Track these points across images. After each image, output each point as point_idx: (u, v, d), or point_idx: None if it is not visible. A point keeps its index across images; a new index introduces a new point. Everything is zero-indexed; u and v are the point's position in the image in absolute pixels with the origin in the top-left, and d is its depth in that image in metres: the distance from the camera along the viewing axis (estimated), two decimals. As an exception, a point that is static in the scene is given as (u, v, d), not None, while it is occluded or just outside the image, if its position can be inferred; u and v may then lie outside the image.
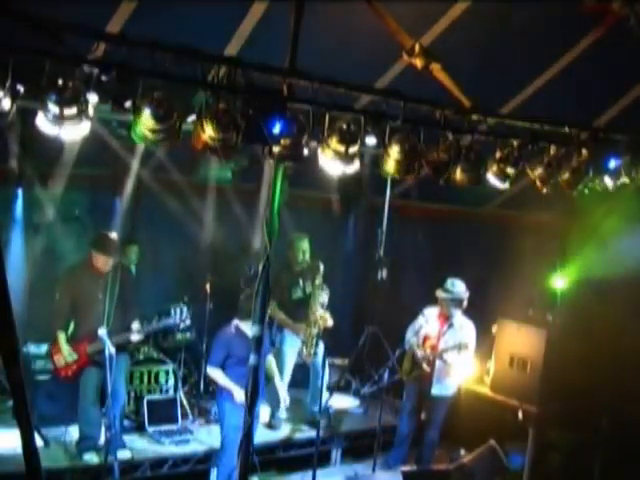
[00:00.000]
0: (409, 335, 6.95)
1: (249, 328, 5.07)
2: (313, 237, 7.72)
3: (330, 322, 7.17)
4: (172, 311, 6.37)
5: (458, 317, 6.83)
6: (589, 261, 7.83)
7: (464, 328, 6.82)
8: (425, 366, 6.75)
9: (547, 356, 6.49)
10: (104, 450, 5.41)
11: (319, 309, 7.14)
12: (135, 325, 6.08)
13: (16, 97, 3.91)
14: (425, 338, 6.85)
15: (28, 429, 2.53)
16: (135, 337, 6.06)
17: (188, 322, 6.38)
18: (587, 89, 6.75)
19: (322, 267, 7.14)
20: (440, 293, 6.81)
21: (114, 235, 6.16)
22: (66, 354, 5.91)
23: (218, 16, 5.21)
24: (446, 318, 6.84)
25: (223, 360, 5.79)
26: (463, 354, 6.75)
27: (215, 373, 5.84)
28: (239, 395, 5.50)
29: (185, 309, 6.33)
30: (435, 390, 6.75)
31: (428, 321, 6.85)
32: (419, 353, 6.80)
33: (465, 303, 6.82)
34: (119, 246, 6.27)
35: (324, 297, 7.21)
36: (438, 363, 6.73)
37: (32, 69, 3.91)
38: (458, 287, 6.79)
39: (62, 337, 5.93)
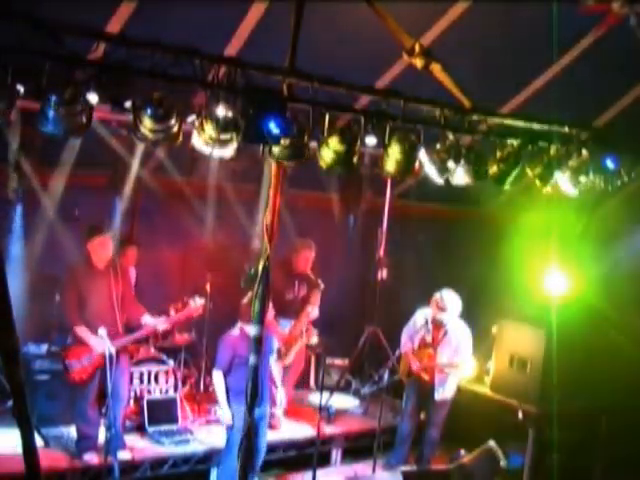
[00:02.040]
0: (404, 339, 6.90)
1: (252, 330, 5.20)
2: (313, 237, 7.73)
3: (315, 339, 7.36)
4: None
5: (452, 322, 6.73)
6: (590, 260, 7.83)
7: (459, 332, 6.72)
8: (423, 374, 6.71)
9: (547, 356, 6.48)
10: (104, 450, 5.41)
11: (305, 324, 7.31)
12: (147, 318, 6.14)
13: (16, 97, 3.92)
14: (421, 344, 6.77)
15: (28, 429, 2.54)
16: (161, 326, 6.20)
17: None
18: (587, 89, 6.75)
19: (322, 286, 7.37)
20: (436, 312, 6.67)
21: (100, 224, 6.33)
22: (99, 346, 5.73)
23: (218, 16, 5.21)
24: (441, 325, 6.73)
25: (229, 362, 5.85)
26: (460, 360, 6.70)
27: (218, 378, 5.89)
28: (226, 414, 5.80)
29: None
30: (436, 395, 6.71)
31: (422, 326, 6.78)
32: (415, 365, 6.72)
33: (459, 311, 6.72)
34: (114, 232, 6.32)
35: (315, 313, 7.41)
36: (437, 372, 6.67)
37: (32, 69, 3.91)
38: (453, 303, 6.65)
39: (85, 330, 5.81)
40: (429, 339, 6.77)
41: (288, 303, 7.38)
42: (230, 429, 5.85)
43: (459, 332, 6.75)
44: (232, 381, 5.84)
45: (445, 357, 6.70)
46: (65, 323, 6.01)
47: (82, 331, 5.80)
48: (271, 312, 6.45)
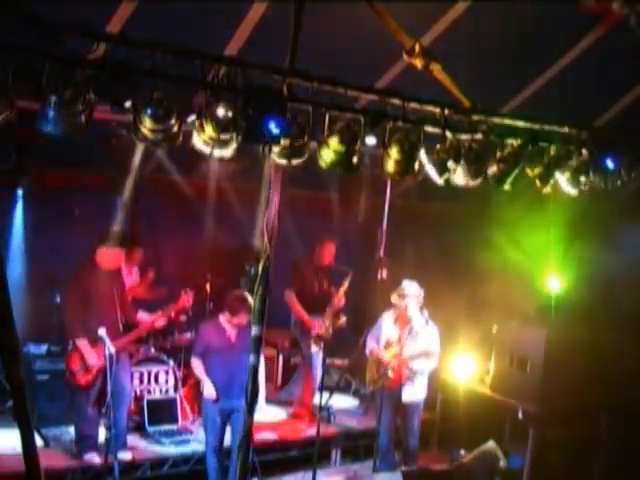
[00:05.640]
0: (369, 341, 6.74)
1: (226, 321, 5.84)
2: (312, 237, 7.73)
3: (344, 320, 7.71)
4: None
5: (417, 319, 6.51)
6: (589, 260, 7.83)
7: (425, 330, 6.50)
8: (390, 373, 6.46)
9: (547, 356, 6.48)
10: (104, 450, 5.41)
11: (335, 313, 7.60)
12: (142, 315, 6.34)
13: (16, 97, 3.92)
14: (387, 344, 6.59)
15: (28, 429, 2.54)
16: (158, 322, 6.36)
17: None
18: (587, 89, 6.76)
19: (351, 274, 7.61)
20: (396, 299, 6.53)
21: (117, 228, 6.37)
22: (94, 360, 5.82)
23: (218, 16, 5.22)
24: (405, 322, 6.55)
25: (204, 351, 5.92)
26: (428, 357, 6.50)
27: (195, 364, 5.96)
28: (208, 388, 5.78)
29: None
30: (406, 397, 6.49)
31: (387, 327, 6.64)
32: (383, 361, 6.50)
33: (421, 301, 6.54)
34: (123, 238, 6.32)
35: (342, 302, 7.69)
36: (404, 370, 6.46)
37: (32, 69, 3.91)
38: (412, 289, 6.51)
39: (85, 343, 5.84)
40: (395, 338, 6.57)
41: (314, 297, 7.54)
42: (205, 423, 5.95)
43: (426, 330, 6.51)
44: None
45: (412, 351, 6.48)
46: (66, 330, 5.98)
47: (83, 344, 5.84)
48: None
